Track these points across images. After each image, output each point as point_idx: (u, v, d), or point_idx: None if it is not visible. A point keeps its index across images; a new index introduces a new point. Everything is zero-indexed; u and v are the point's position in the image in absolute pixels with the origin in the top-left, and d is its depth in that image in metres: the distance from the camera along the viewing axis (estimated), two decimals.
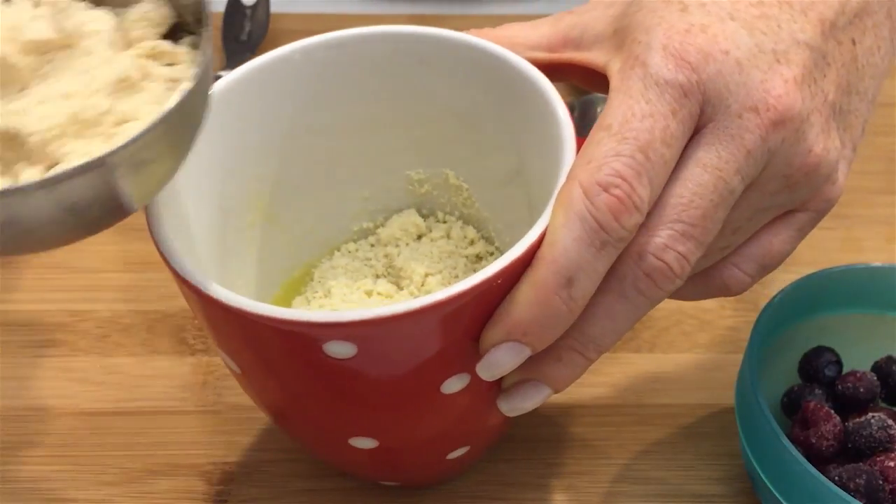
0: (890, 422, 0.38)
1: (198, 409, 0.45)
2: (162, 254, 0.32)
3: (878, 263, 0.42)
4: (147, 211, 0.33)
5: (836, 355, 0.42)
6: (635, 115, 0.30)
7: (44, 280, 0.51)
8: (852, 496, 0.34)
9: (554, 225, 0.30)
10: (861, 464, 0.37)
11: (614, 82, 0.31)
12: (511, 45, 0.37)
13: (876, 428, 0.38)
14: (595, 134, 0.31)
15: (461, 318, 0.30)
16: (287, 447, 0.43)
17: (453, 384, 0.32)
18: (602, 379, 0.46)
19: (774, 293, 0.40)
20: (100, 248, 0.53)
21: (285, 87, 0.38)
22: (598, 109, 0.57)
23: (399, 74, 0.39)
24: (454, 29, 0.38)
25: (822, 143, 0.32)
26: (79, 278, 0.51)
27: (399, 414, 0.34)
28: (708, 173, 0.30)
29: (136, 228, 0.53)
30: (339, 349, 0.30)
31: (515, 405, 0.33)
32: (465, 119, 0.40)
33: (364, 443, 0.35)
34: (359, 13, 0.69)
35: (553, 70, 0.36)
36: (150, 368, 0.46)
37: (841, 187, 0.34)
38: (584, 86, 0.37)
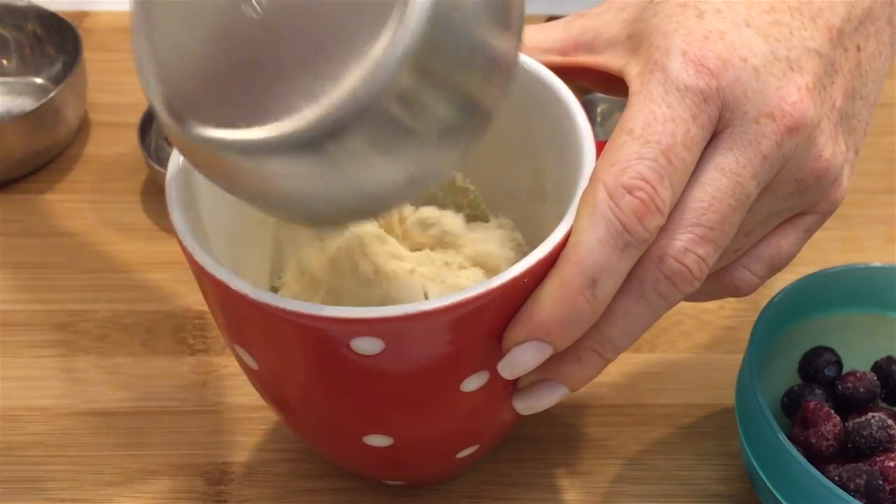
0: (890, 422, 0.38)
1: (198, 409, 0.45)
2: (184, 247, 0.31)
3: (878, 263, 0.42)
4: (169, 205, 0.33)
5: (836, 355, 0.42)
6: (657, 119, 0.30)
7: (44, 280, 0.51)
8: (852, 496, 0.35)
9: (578, 226, 0.31)
10: (861, 464, 0.37)
11: (634, 86, 0.32)
12: (522, 49, 0.37)
13: (876, 428, 0.38)
14: (617, 137, 0.31)
15: (486, 316, 0.31)
16: (287, 447, 0.43)
17: (473, 382, 0.33)
18: (602, 379, 0.46)
19: (774, 293, 0.40)
20: (100, 248, 0.53)
21: None
22: (599, 109, 0.57)
23: None
24: None
25: (831, 147, 0.33)
26: (79, 278, 0.51)
27: (417, 411, 0.34)
28: (726, 178, 0.31)
29: (136, 228, 0.54)
30: (366, 345, 0.30)
31: (531, 404, 0.34)
32: None
33: (378, 440, 0.35)
34: None
35: (565, 73, 0.36)
36: (150, 368, 0.46)
37: (846, 190, 0.34)
38: (596, 89, 0.37)
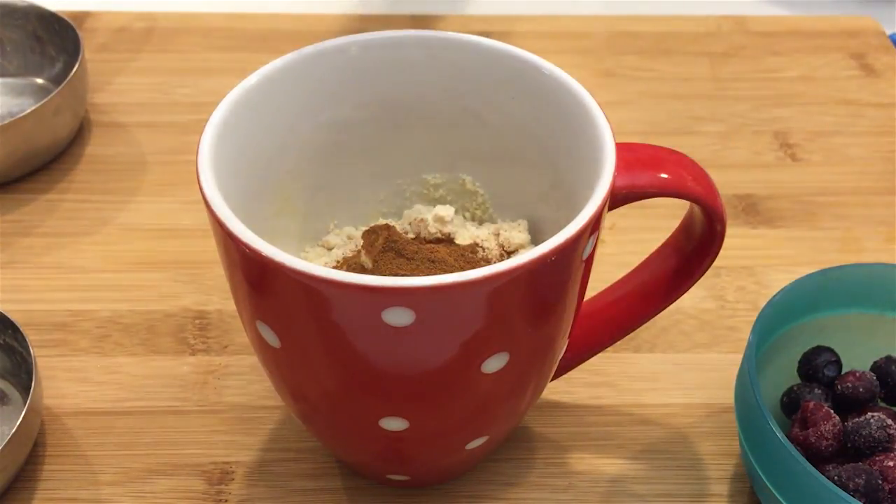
0: (889, 422, 0.38)
1: (198, 409, 0.45)
2: (213, 214, 0.31)
3: (878, 263, 0.42)
4: (199, 173, 0.33)
5: (836, 355, 0.42)
6: None
7: (44, 280, 0.51)
8: (852, 496, 0.35)
9: None
10: (860, 463, 0.37)
11: None
12: None
13: (875, 428, 0.38)
14: None
15: (514, 292, 0.31)
16: (288, 447, 0.43)
17: (493, 363, 0.33)
18: (602, 379, 0.46)
19: (774, 293, 0.40)
20: (100, 248, 0.53)
21: (330, 78, 0.39)
22: None
23: (430, 78, 0.39)
24: (455, 30, 0.39)
25: None
26: (79, 278, 0.51)
27: (438, 391, 0.34)
28: None
29: (136, 228, 0.54)
30: (398, 317, 0.30)
31: None
32: (491, 124, 0.40)
33: (394, 424, 0.35)
34: (357, 13, 0.69)
35: None
36: (150, 368, 0.46)
37: None
38: None
